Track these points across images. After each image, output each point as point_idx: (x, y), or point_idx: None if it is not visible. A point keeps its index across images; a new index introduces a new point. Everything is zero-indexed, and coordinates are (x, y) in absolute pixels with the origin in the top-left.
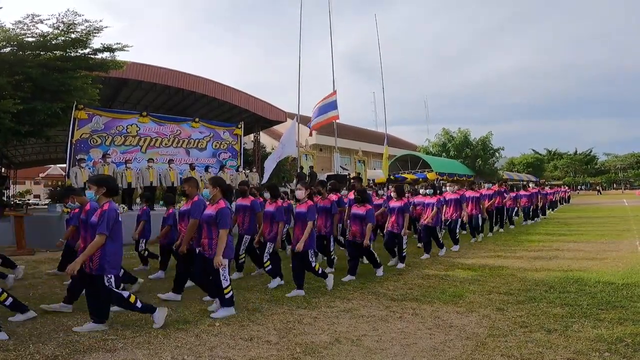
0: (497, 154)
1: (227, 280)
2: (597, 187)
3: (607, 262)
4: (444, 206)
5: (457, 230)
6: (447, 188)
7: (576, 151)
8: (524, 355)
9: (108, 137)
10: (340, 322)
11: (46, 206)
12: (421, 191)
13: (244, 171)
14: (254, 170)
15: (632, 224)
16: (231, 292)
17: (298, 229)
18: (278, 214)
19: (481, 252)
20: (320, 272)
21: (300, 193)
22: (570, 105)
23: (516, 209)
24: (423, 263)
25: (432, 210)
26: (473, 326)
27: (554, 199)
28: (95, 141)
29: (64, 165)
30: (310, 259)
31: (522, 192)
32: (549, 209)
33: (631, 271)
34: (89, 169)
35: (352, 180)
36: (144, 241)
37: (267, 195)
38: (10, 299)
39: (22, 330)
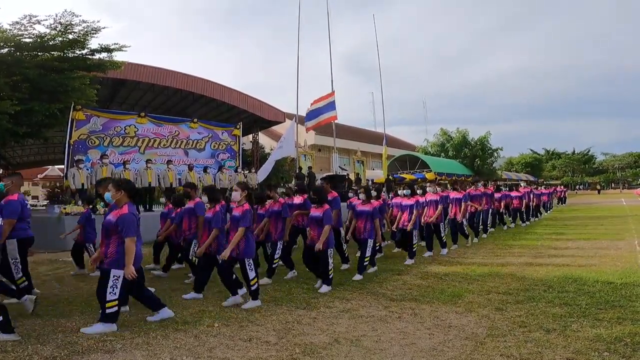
0: (495, 154)
1: (253, 272)
2: (597, 187)
3: (606, 262)
4: (425, 208)
5: (443, 235)
6: (428, 188)
7: (574, 151)
8: (523, 355)
9: (106, 138)
10: (339, 322)
11: (45, 207)
12: (399, 192)
13: (242, 172)
14: (253, 170)
15: (631, 224)
16: (256, 284)
17: (232, 234)
18: (215, 219)
19: (480, 252)
20: (253, 288)
21: (236, 195)
22: (568, 105)
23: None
24: (422, 263)
25: (435, 209)
26: (472, 326)
27: (548, 200)
28: (93, 142)
29: (62, 166)
30: (249, 269)
31: (512, 193)
32: (544, 209)
33: (630, 271)
34: (87, 169)
35: (317, 180)
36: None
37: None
38: None
39: (20, 331)
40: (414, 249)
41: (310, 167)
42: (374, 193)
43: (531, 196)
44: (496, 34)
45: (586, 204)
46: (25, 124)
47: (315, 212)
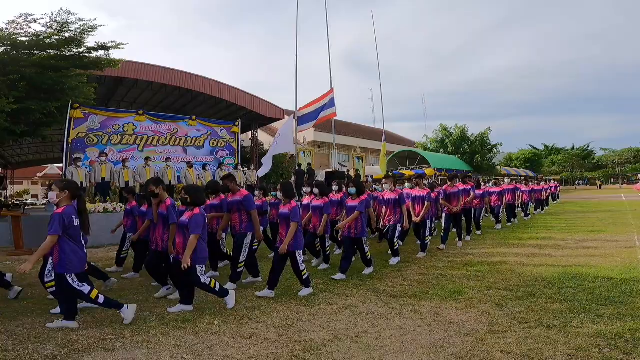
0: (495, 150)
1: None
2: (598, 182)
3: (606, 257)
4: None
5: (395, 240)
6: (384, 186)
7: (573, 146)
8: (524, 352)
9: (104, 136)
10: (339, 319)
11: (44, 206)
12: (350, 190)
13: (242, 169)
14: (252, 167)
15: (631, 219)
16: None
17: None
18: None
19: (479, 248)
20: (217, 289)
21: (52, 195)
22: (567, 101)
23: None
24: (422, 260)
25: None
26: (472, 322)
27: (541, 197)
28: (91, 140)
29: (61, 164)
30: (199, 274)
31: (492, 189)
32: (537, 208)
33: (630, 266)
34: (86, 168)
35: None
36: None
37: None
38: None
39: (21, 330)
40: (396, 247)
41: (309, 164)
42: (352, 190)
43: (517, 193)
44: (494, 31)
45: (586, 199)
46: (23, 122)
47: (283, 209)
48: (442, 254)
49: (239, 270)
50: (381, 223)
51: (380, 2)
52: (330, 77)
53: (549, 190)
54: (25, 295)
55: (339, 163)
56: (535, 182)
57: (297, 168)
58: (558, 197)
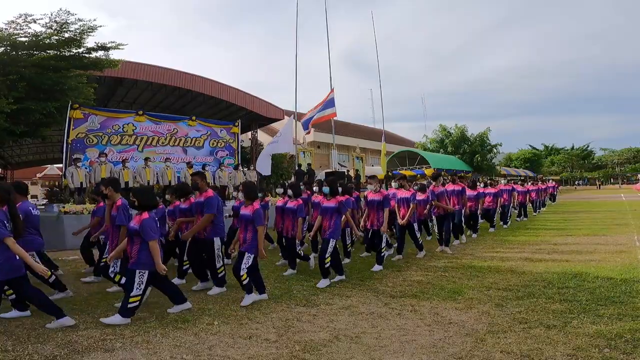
0: (495, 150)
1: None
2: (597, 182)
3: (606, 257)
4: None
5: (383, 246)
6: (368, 186)
7: (573, 146)
8: (524, 352)
9: (104, 137)
10: (339, 319)
11: (43, 206)
12: (323, 189)
13: (242, 169)
14: (252, 168)
15: (630, 219)
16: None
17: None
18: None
19: (479, 248)
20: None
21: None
22: (567, 101)
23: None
24: (422, 260)
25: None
26: (472, 322)
27: (537, 198)
28: (91, 140)
29: (61, 165)
30: (136, 280)
31: (487, 190)
32: (535, 208)
33: (629, 266)
34: (86, 168)
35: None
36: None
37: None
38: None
39: (20, 330)
40: (383, 254)
41: (309, 164)
42: (326, 190)
43: (514, 194)
44: (494, 31)
45: (586, 199)
46: (23, 122)
47: (245, 211)
48: (441, 254)
49: (219, 275)
50: (361, 225)
51: (380, 2)
52: (330, 77)
53: (547, 191)
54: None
55: (338, 163)
56: (531, 182)
57: (297, 168)
58: (553, 199)
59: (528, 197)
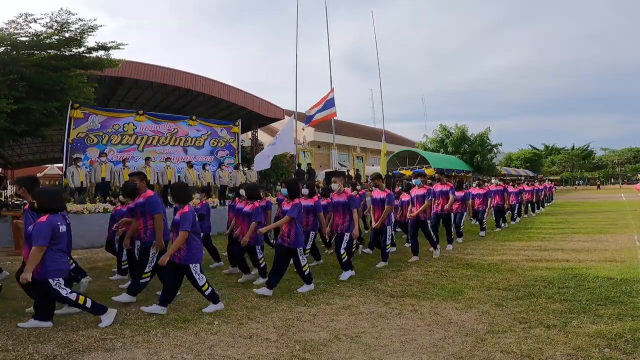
0: (495, 150)
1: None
2: (597, 182)
3: (606, 257)
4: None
5: (342, 252)
6: (332, 185)
7: (573, 146)
8: (524, 351)
9: (105, 136)
10: (339, 319)
11: None
12: (282, 191)
13: (242, 169)
14: (252, 167)
15: (631, 219)
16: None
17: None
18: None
19: (480, 248)
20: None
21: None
22: (567, 101)
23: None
24: (422, 260)
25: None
26: (472, 322)
27: (532, 199)
28: (91, 140)
29: (61, 164)
30: (56, 288)
31: (475, 190)
32: (528, 211)
33: (629, 266)
34: (86, 168)
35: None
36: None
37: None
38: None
39: (21, 330)
40: (344, 259)
41: (309, 164)
42: (284, 192)
43: (505, 195)
44: (494, 31)
45: (586, 199)
46: (23, 122)
47: (246, 207)
48: (442, 255)
49: (141, 281)
50: (327, 229)
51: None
52: (330, 77)
53: (544, 192)
54: (25, 295)
55: (339, 163)
56: (527, 182)
57: (297, 168)
58: (547, 200)
59: (521, 198)
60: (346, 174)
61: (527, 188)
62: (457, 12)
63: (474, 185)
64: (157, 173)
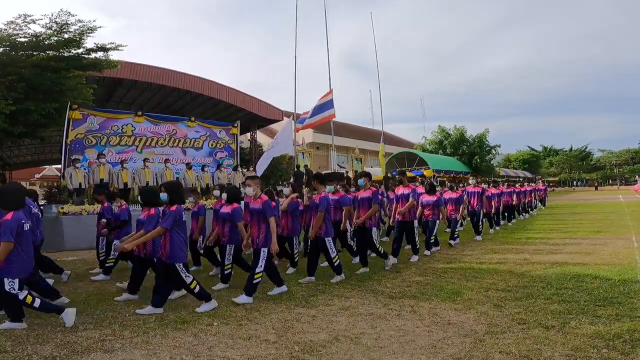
0: (493, 151)
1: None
2: (595, 183)
3: (604, 258)
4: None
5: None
6: (284, 190)
7: (571, 147)
8: (522, 352)
9: (103, 137)
10: (338, 320)
11: (42, 206)
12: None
13: (241, 170)
14: (251, 169)
15: (629, 220)
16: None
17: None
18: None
19: (478, 249)
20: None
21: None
22: (566, 102)
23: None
24: (420, 261)
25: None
26: (471, 323)
27: (520, 202)
28: (90, 141)
29: (60, 165)
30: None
31: (449, 194)
32: (517, 214)
33: (628, 267)
34: (84, 169)
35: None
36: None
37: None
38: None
39: (19, 331)
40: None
41: (306, 165)
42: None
43: (482, 198)
44: (494, 31)
45: (584, 201)
46: (21, 123)
47: (225, 209)
48: (440, 256)
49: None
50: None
51: (380, 2)
52: (329, 78)
53: (534, 194)
54: None
55: (337, 164)
56: (515, 183)
57: (295, 169)
58: (543, 203)
59: (502, 201)
60: (345, 175)
61: (506, 190)
62: (457, 12)
63: (470, 183)
64: (156, 174)
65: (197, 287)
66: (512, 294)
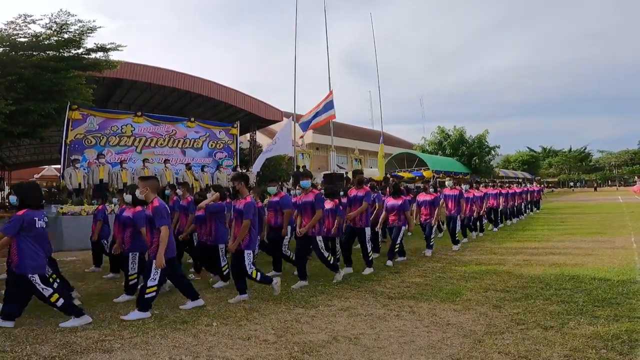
0: (493, 152)
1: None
2: (594, 184)
3: (603, 259)
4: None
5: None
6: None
7: (571, 148)
8: (521, 353)
9: (103, 138)
10: (338, 320)
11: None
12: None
13: (240, 171)
14: (250, 169)
15: (627, 221)
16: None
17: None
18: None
19: (477, 249)
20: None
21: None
22: (565, 102)
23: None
24: (420, 261)
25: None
26: (470, 324)
27: (506, 204)
28: (89, 141)
29: (59, 166)
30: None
31: (421, 196)
32: (508, 218)
33: (626, 268)
34: (84, 169)
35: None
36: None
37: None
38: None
39: (19, 331)
40: (370, 257)
41: (304, 166)
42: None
43: (461, 202)
44: (494, 31)
45: (583, 201)
46: (21, 123)
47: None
48: (439, 256)
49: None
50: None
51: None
52: (329, 79)
53: (525, 196)
54: None
55: (337, 165)
56: (502, 184)
57: (295, 170)
58: (537, 206)
59: (486, 204)
60: (344, 176)
61: (492, 192)
62: (457, 12)
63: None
64: (156, 175)
65: (61, 300)
66: (511, 295)
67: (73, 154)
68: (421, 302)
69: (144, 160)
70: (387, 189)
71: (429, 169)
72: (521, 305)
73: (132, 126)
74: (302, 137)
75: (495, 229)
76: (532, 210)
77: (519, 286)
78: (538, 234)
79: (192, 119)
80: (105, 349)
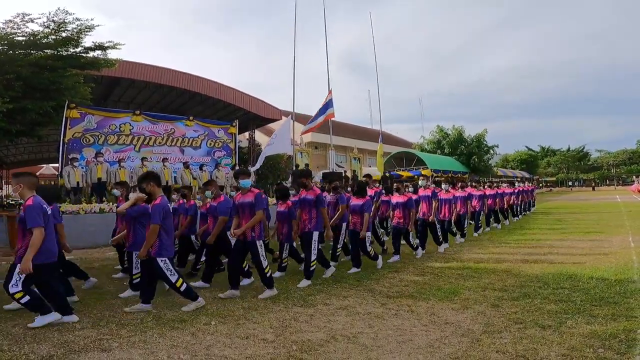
0: (491, 151)
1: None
2: (592, 184)
3: (601, 258)
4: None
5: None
6: (205, 193)
7: (569, 148)
8: (519, 352)
9: (101, 136)
10: (336, 319)
11: None
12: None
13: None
14: (249, 168)
15: (625, 220)
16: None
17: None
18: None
19: (476, 248)
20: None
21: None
22: (564, 102)
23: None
24: (418, 261)
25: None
26: (468, 323)
27: (494, 205)
28: (87, 140)
29: (57, 164)
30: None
31: (395, 198)
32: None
33: (624, 267)
34: (82, 168)
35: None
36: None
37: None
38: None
39: (17, 330)
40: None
41: (306, 164)
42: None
43: (433, 203)
44: (494, 31)
45: (581, 201)
46: (19, 122)
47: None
48: (438, 256)
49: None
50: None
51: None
52: (328, 79)
53: (515, 197)
54: None
55: (336, 164)
56: (488, 184)
57: (294, 169)
58: (524, 209)
59: (469, 206)
60: (343, 175)
61: (476, 192)
62: (457, 12)
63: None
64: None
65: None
66: (509, 294)
67: (71, 152)
68: (419, 301)
69: (143, 159)
70: (350, 189)
71: (427, 168)
72: (519, 304)
73: (130, 125)
74: (302, 134)
75: (475, 234)
76: (528, 210)
77: (517, 285)
78: (536, 234)
79: (191, 118)
80: (103, 348)
